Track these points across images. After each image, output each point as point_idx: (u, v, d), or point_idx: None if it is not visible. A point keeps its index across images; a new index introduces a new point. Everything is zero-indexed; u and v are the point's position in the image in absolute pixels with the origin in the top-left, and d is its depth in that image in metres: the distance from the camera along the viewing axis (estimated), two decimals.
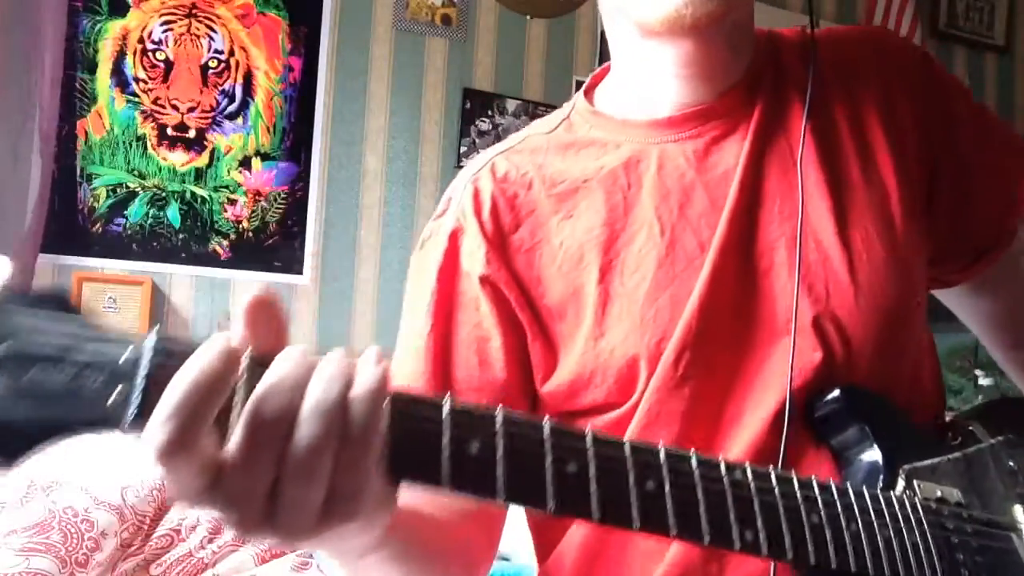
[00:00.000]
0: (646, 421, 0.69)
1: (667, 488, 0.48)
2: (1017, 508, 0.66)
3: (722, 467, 0.51)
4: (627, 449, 0.48)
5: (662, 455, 0.49)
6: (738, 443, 0.68)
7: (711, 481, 0.50)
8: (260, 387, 0.40)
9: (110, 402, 0.37)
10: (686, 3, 0.66)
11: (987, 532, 0.62)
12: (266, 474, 0.39)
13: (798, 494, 0.53)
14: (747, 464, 0.52)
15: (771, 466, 0.53)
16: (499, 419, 0.45)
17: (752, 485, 0.51)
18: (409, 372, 0.75)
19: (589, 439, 0.47)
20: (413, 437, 0.43)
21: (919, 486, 0.62)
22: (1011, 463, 0.70)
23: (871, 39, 0.81)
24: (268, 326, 0.43)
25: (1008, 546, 0.62)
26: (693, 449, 0.51)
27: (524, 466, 0.45)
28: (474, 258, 0.74)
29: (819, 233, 0.71)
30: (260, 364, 0.41)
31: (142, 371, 0.38)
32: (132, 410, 0.38)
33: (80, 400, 0.37)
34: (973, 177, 0.79)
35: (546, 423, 0.46)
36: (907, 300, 0.72)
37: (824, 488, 0.54)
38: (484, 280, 0.73)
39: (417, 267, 0.79)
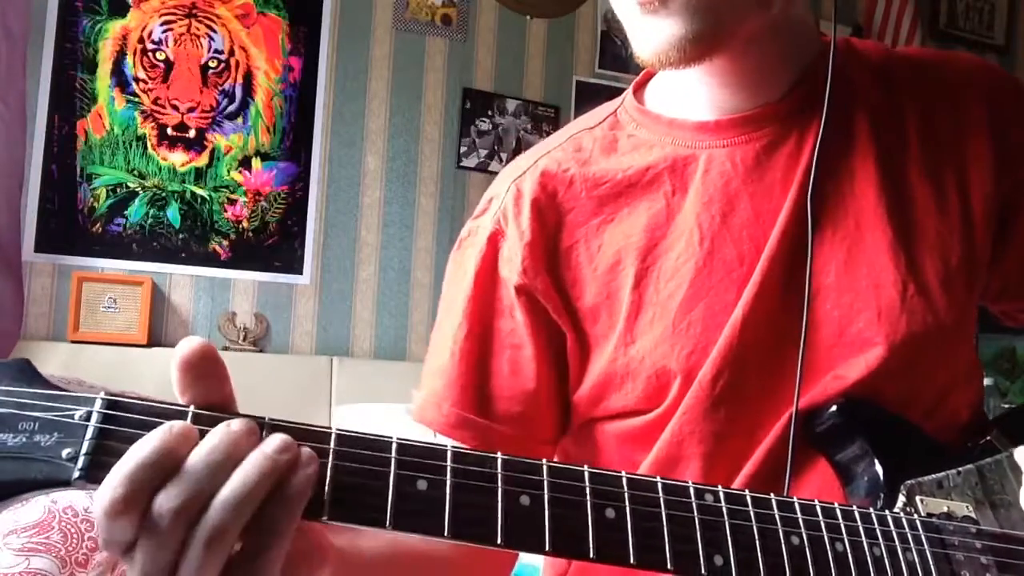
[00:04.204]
0: (678, 437, 0.68)
1: (628, 515, 0.48)
2: None
3: (691, 491, 0.51)
4: (586, 477, 0.49)
5: (624, 482, 0.49)
6: (752, 462, 0.67)
7: (677, 506, 0.50)
8: (185, 467, 0.42)
9: (63, 458, 0.41)
10: (656, 53, 0.64)
11: (1002, 548, 0.59)
12: (169, 545, 0.41)
13: (776, 515, 0.52)
14: (719, 487, 0.52)
15: (747, 490, 0.53)
16: (448, 457, 0.47)
17: (724, 508, 0.51)
18: (444, 375, 0.75)
19: (544, 470, 0.48)
20: (353, 481, 0.45)
21: (922, 501, 0.61)
22: None
23: (962, 65, 0.76)
24: (211, 378, 0.45)
25: None
26: (659, 476, 0.51)
27: (474, 502, 0.46)
28: (512, 266, 0.72)
29: (875, 256, 0.68)
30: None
31: (91, 429, 0.42)
32: (82, 465, 0.41)
33: (34, 459, 0.41)
34: None
35: (498, 457, 0.48)
36: (954, 332, 0.69)
37: (807, 509, 0.54)
38: (520, 289, 0.72)
39: (454, 267, 0.78)
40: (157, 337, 2.65)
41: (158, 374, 2.37)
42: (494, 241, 0.74)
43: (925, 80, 0.75)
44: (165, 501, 0.41)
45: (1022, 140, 0.73)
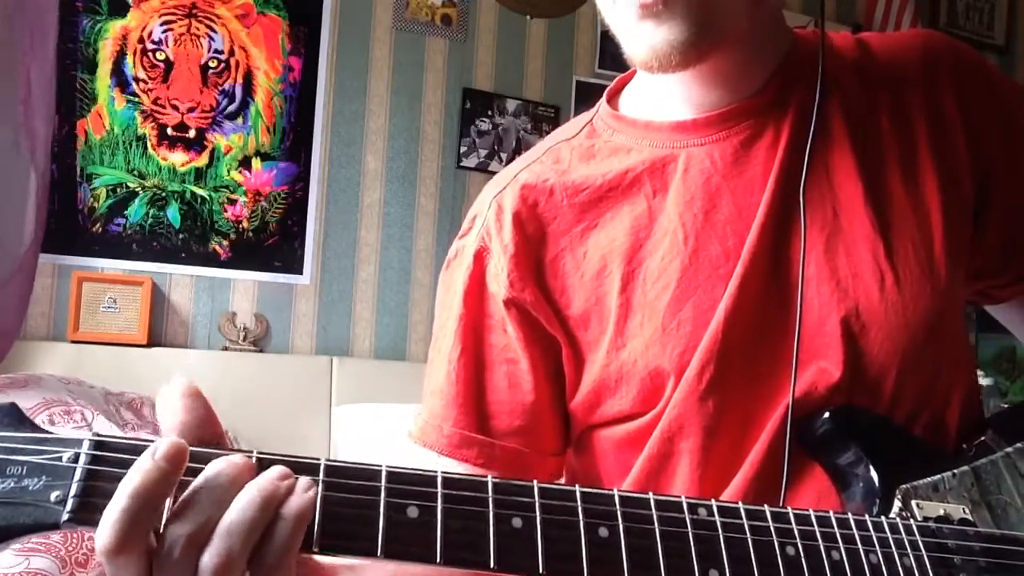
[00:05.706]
0: (669, 433, 0.68)
1: (621, 532, 0.48)
2: None
3: (684, 506, 0.50)
4: (578, 497, 0.48)
5: (616, 500, 0.49)
6: (750, 463, 0.67)
7: (670, 522, 0.50)
8: (182, 500, 0.42)
9: (51, 501, 0.40)
10: (656, 55, 0.64)
11: (999, 550, 0.59)
12: (185, 574, 0.41)
13: (771, 527, 0.52)
14: (712, 501, 0.52)
15: (740, 502, 0.53)
16: (439, 483, 0.46)
17: (717, 522, 0.51)
18: (442, 396, 0.75)
19: (536, 491, 0.48)
20: (343, 511, 0.45)
21: (919, 505, 0.61)
22: None
23: (921, 44, 0.76)
24: (196, 414, 0.45)
25: None
26: (651, 493, 0.51)
27: (465, 527, 0.45)
28: (499, 280, 0.73)
29: (853, 246, 0.68)
30: (191, 473, 0.43)
31: (79, 471, 0.41)
32: (70, 508, 0.41)
33: (23, 503, 0.40)
34: None
35: (488, 480, 0.47)
36: (938, 320, 0.68)
37: (802, 518, 0.53)
38: (509, 303, 0.72)
39: (444, 288, 0.79)
40: (157, 337, 2.65)
41: (158, 374, 2.38)
42: (480, 258, 0.74)
43: (894, 66, 0.75)
44: (176, 530, 0.41)
45: (990, 116, 0.74)
